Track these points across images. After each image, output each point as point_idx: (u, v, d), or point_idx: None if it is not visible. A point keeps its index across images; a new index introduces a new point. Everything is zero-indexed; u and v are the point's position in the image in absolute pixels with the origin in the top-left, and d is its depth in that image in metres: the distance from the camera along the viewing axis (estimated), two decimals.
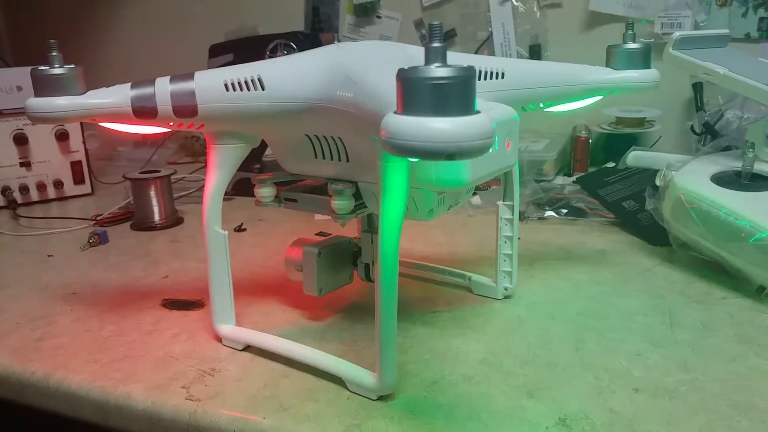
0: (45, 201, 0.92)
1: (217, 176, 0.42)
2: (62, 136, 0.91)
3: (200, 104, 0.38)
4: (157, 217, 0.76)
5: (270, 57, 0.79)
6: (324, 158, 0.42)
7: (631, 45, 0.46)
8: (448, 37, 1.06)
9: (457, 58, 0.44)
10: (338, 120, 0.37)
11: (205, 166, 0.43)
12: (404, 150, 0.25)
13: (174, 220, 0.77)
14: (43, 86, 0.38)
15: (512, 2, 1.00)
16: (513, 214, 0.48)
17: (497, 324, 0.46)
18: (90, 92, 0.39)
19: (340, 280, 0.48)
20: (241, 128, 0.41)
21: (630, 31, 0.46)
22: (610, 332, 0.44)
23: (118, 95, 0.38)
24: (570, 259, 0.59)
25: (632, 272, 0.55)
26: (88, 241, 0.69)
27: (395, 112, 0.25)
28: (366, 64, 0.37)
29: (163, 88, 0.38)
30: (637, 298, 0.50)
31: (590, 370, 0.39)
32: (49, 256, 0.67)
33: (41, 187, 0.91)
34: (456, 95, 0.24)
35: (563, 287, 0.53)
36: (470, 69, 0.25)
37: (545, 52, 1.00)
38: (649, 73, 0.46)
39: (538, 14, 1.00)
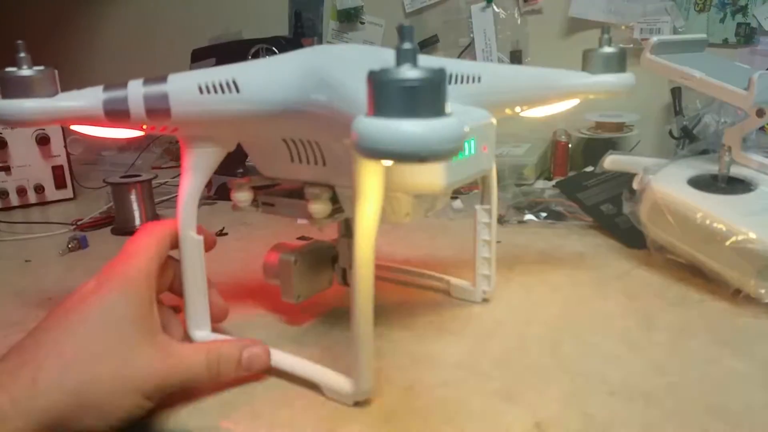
0: (25, 206, 0.91)
1: (191, 180, 0.41)
2: (43, 141, 0.90)
3: (173, 107, 0.37)
4: (137, 222, 0.76)
5: None
6: (300, 162, 0.41)
7: (607, 49, 0.46)
8: (431, 44, 1.06)
9: (431, 61, 0.44)
10: (313, 124, 0.37)
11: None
12: (375, 153, 0.24)
13: None
14: (11, 88, 0.37)
15: (493, 9, 1.01)
16: (491, 218, 0.48)
17: (475, 328, 0.46)
18: (61, 95, 0.38)
19: (319, 286, 0.48)
20: (215, 131, 0.41)
21: (606, 35, 0.46)
22: (587, 335, 0.44)
23: (90, 98, 0.37)
24: (548, 263, 0.60)
25: (610, 275, 0.56)
26: (68, 246, 0.68)
27: (365, 115, 0.25)
28: (341, 68, 0.37)
29: (136, 91, 0.37)
30: (614, 300, 0.50)
31: (567, 374, 0.39)
32: (26, 261, 0.66)
33: (21, 191, 0.90)
34: (427, 97, 0.24)
35: (541, 290, 0.53)
36: (441, 71, 0.24)
37: (526, 57, 1.01)
38: (624, 76, 0.46)
39: (518, 20, 1.01)
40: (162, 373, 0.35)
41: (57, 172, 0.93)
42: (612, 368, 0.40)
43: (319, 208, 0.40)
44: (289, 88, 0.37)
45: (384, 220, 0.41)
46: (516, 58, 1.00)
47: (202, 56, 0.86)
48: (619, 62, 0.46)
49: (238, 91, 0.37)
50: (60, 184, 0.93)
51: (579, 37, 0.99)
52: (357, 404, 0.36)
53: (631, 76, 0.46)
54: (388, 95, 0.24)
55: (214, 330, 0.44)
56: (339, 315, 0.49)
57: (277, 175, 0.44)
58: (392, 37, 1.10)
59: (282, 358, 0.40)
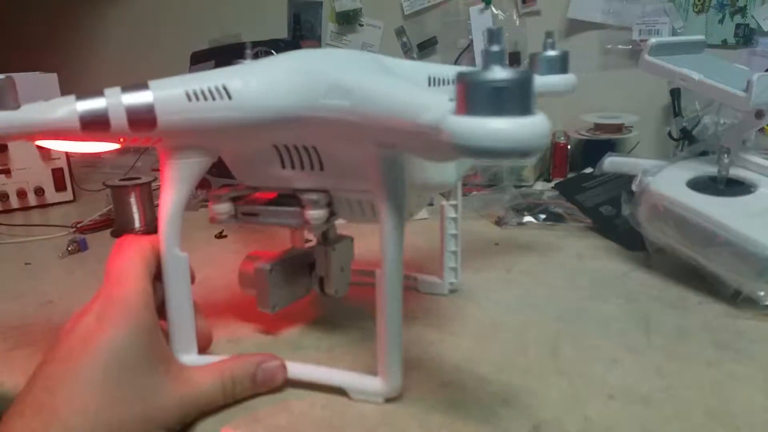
0: (26, 208, 0.91)
1: (175, 193, 0.38)
2: None
3: (160, 116, 0.34)
4: (137, 224, 0.76)
5: None
6: (294, 168, 0.40)
7: (551, 52, 0.50)
8: (429, 45, 1.06)
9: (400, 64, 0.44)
10: (319, 129, 0.36)
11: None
12: (475, 151, 0.25)
13: (154, 227, 0.76)
14: None
15: (492, 10, 1.01)
16: (457, 213, 0.51)
17: (474, 330, 0.46)
18: (26, 107, 0.34)
19: (296, 294, 0.47)
20: (203, 141, 0.38)
21: (550, 39, 0.50)
22: (586, 338, 0.44)
23: (63, 109, 0.33)
24: (547, 265, 0.60)
25: (609, 277, 0.56)
26: (67, 249, 0.68)
27: (456, 114, 0.25)
28: (355, 71, 0.36)
29: (116, 100, 0.34)
30: (613, 303, 0.50)
31: (565, 377, 0.39)
32: (26, 264, 0.66)
33: (21, 194, 0.90)
34: (520, 96, 0.25)
35: (540, 292, 0.53)
36: (528, 72, 0.25)
37: (525, 59, 1.01)
38: (567, 77, 0.50)
39: (517, 22, 1.01)
40: (182, 404, 0.34)
41: (57, 174, 0.93)
42: (611, 371, 0.40)
43: (318, 213, 0.40)
44: (289, 94, 0.35)
45: (375, 220, 0.42)
46: (515, 59, 1.01)
47: (201, 59, 0.86)
48: (562, 64, 0.50)
49: (230, 97, 0.35)
50: (60, 186, 0.93)
51: (577, 39, 0.99)
52: (355, 409, 0.36)
53: (572, 77, 0.50)
54: (484, 95, 0.25)
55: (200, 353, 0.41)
56: (328, 320, 0.48)
57: (262, 184, 0.43)
58: (391, 39, 1.11)
59: (300, 369, 0.39)
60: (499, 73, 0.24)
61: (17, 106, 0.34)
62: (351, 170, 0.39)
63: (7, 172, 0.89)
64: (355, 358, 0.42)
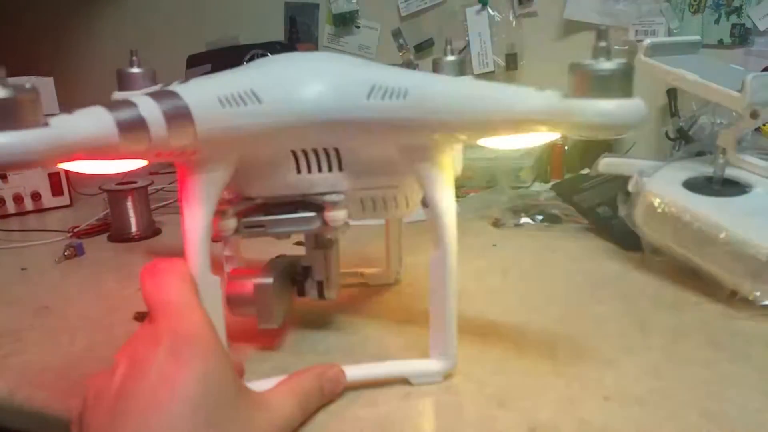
0: (22, 213, 0.90)
1: (204, 211, 0.34)
2: None
3: (198, 123, 0.31)
4: (134, 229, 0.76)
5: None
6: (309, 172, 0.39)
7: (605, 65, 0.30)
8: (426, 47, 1.06)
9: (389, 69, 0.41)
10: (349, 130, 0.36)
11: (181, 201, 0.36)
12: (591, 127, 0.31)
13: (151, 231, 0.77)
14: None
15: (488, 11, 1.01)
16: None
17: (470, 333, 0.46)
18: (55, 120, 0.27)
19: (287, 303, 0.46)
20: (235, 149, 0.35)
21: (602, 43, 0.31)
22: (582, 339, 0.44)
23: (97, 120, 0.29)
24: (544, 266, 0.60)
25: (605, 278, 0.56)
26: (64, 254, 0.68)
27: (577, 98, 0.30)
28: (396, 72, 0.37)
29: (150, 107, 0.30)
30: (609, 304, 0.50)
31: (562, 378, 0.39)
32: (22, 269, 0.66)
33: (18, 199, 0.90)
34: (622, 83, 0.31)
35: (537, 294, 0.53)
36: (628, 63, 0.31)
37: (521, 60, 1.01)
38: (628, 104, 0.30)
39: (514, 23, 1.01)
40: (270, 431, 0.32)
41: (53, 179, 0.93)
42: (607, 372, 0.40)
43: (340, 214, 0.39)
44: (320, 97, 0.34)
45: (386, 215, 0.43)
46: (511, 60, 1.01)
47: (197, 62, 0.87)
48: (622, 83, 0.31)
49: (259, 101, 0.33)
50: (57, 191, 0.93)
51: (574, 39, 0.99)
52: (351, 411, 0.36)
53: (637, 104, 0.31)
54: (611, 80, 0.30)
55: None
56: (317, 325, 0.48)
57: (271, 193, 0.40)
58: (388, 40, 1.11)
59: (357, 371, 0.39)
60: (606, 65, 0.30)
61: (46, 123, 0.27)
62: (374, 168, 0.39)
63: (3, 176, 0.88)
64: (363, 352, 0.43)
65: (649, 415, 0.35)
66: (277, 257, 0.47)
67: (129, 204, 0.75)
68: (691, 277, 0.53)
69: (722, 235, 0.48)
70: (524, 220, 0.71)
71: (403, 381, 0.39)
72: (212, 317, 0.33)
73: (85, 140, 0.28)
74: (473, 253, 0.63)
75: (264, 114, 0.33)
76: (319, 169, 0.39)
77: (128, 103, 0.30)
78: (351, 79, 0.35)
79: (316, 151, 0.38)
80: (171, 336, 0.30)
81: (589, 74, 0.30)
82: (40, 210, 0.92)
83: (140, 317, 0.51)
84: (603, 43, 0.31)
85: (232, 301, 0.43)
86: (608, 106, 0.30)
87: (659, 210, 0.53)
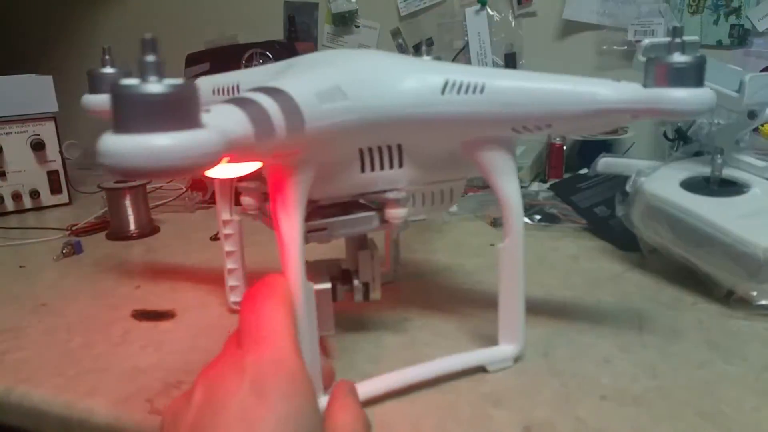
0: (21, 211, 0.91)
1: (299, 217, 0.32)
2: (38, 146, 0.90)
3: (307, 121, 0.30)
4: (132, 227, 0.76)
5: (246, 66, 0.79)
6: (373, 170, 0.38)
7: (679, 58, 0.34)
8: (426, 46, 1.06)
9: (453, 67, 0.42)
10: (423, 125, 0.36)
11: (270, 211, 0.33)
12: (672, 112, 0.35)
13: (150, 229, 0.77)
14: (133, 116, 0.22)
15: (487, 11, 1.01)
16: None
17: (465, 329, 0.46)
18: (207, 122, 0.23)
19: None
20: (326, 149, 0.34)
21: (677, 39, 0.35)
22: (579, 338, 0.44)
23: (234, 119, 0.26)
24: (542, 265, 0.60)
25: (603, 278, 0.56)
26: (62, 252, 0.68)
27: (657, 87, 0.35)
28: (465, 68, 0.38)
29: (269, 104, 0.28)
30: (606, 303, 0.50)
31: (558, 377, 0.39)
32: (21, 267, 0.66)
33: (17, 197, 0.90)
34: (696, 73, 0.35)
35: (535, 293, 0.53)
36: (702, 56, 0.34)
37: (521, 60, 1.01)
38: (699, 92, 0.35)
39: (513, 23, 1.01)
40: None
41: (53, 177, 0.93)
42: (604, 371, 0.40)
43: (403, 212, 0.39)
44: (402, 95, 0.35)
45: (437, 209, 0.44)
46: (510, 60, 1.01)
47: (196, 61, 0.86)
48: (694, 76, 0.35)
49: (346, 98, 0.33)
50: (56, 189, 0.93)
51: (573, 40, 0.99)
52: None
53: (706, 93, 0.35)
54: (667, 73, 0.34)
55: None
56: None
57: (336, 194, 0.39)
58: (387, 40, 1.11)
59: (435, 366, 0.39)
60: (679, 58, 0.34)
61: (200, 122, 0.23)
62: (433, 163, 0.40)
63: (2, 174, 0.89)
64: (419, 350, 0.43)
65: (645, 415, 0.35)
66: (313, 261, 0.43)
67: (127, 202, 0.75)
68: (688, 277, 0.53)
69: (719, 235, 0.48)
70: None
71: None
72: (311, 326, 0.33)
73: (235, 142, 0.25)
74: (471, 253, 0.63)
75: (352, 110, 0.33)
76: (381, 167, 0.39)
77: (249, 101, 0.27)
78: (424, 75, 0.36)
79: (380, 149, 0.38)
80: (256, 369, 0.27)
81: (668, 66, 0.34)
82: (38, 208, 0.92)
83: (138, 315, 0.51)
84: (678, 39, 0.35)
85: None
86: (684, 94, 0.34)
87: (657, 210, 0.54)
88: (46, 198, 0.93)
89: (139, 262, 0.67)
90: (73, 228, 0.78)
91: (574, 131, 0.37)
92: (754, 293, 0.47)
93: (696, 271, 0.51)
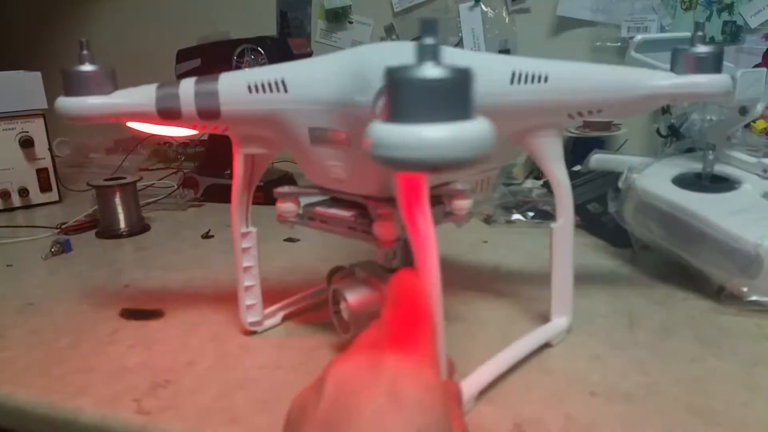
0: (10, 209, 0.90)
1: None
2: (26, 143, 0.89)
3: (223, 105, 0.38)
4: (122, 225, 0.75)
5: (237, 62, 0.79)
6: None
7: (702, 49, 0.41)
8: None
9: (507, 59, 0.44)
10: (490, 114, 0.35)
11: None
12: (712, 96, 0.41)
13: (140, 227, 0.76)
14: (73, 85, 0.38)
15: (481, 7, 1.01)
16: None
17: (458, 328, 0.46)
18: (117, 92, 0.39)
19: None
20: (264, 132, 0.40)
21: (699, 33, 0.41)
22: (570, 335, 0.44)
23: (144, 96, 0.38)
24: (534, 262, 0.60)
25: (595, 274, 0.56)
26: (50, 250, 0.68)
27: (686, 74, 0.40)
28: (528, 59, 0.39)
29: (187, 90, 0.38)
30: (598, 299, 0.50)
31: (549, 374, 0.39)
32: (8, 266, 0.65)
33: (5, 195, 0.89)
34: (720, 61, 0.40)
35: (526, 290, 0.53)
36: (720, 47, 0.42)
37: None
38: (719, 78, 0.41)
39: (507, 19, 1.01)
40: None
41: (42, 175, 0.92)
42: (594, 368, 0.40)
43: (467, 203, 0.39)
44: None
45: (477, 198, 0.43)
46: None
47: (187, 57, 0.86)
48: (714, 62, 0.41)
49: (286, 90, 0.37)
50: (45, 187, 0.92)
51: (566, 36, 0.99)
52: None
53: (725, 78, 0.41)
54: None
55: None
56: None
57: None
58: (381, 36, 1.10)
59: (510, 354, 0.40)
60: (703, 48, 0.39)
61: (111, 92, 0.39)
62: None
63: None
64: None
65: (635, 411, 0.35)
66: (355, 264, 0.43)
67: (117, 200, 0.74)
68: (679, 273, 0.53)
69: (710, 231, 0.48)
70: (515, 216, 0.71)
71: None
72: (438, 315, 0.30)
73: (130, 109, 0.39)
74: (464, 250, 0.63)
75: (286, 101, 0.37)
76: None
77: (174, 84, 0.38)
78: (492, 66, 0.37)
79: None
80: (396, 373, 0.25)
81: (695, 56, 0.39)
82: (28, 206, 0.91)
83: (127, 314, 0.51)
84: (700, 33, 0.40)
85: (360, 316, 0.39)
86: (706, 80, 0.40)
87: (649, 206, 0.53)
88: (36, 196, 0.92)
89: (129, 260, 0.66)
90: (63, 226, 0.77)
91: (619, 115, 0.39)
92: (745, 289, 0.47)
93: (687, 267, 0.51)
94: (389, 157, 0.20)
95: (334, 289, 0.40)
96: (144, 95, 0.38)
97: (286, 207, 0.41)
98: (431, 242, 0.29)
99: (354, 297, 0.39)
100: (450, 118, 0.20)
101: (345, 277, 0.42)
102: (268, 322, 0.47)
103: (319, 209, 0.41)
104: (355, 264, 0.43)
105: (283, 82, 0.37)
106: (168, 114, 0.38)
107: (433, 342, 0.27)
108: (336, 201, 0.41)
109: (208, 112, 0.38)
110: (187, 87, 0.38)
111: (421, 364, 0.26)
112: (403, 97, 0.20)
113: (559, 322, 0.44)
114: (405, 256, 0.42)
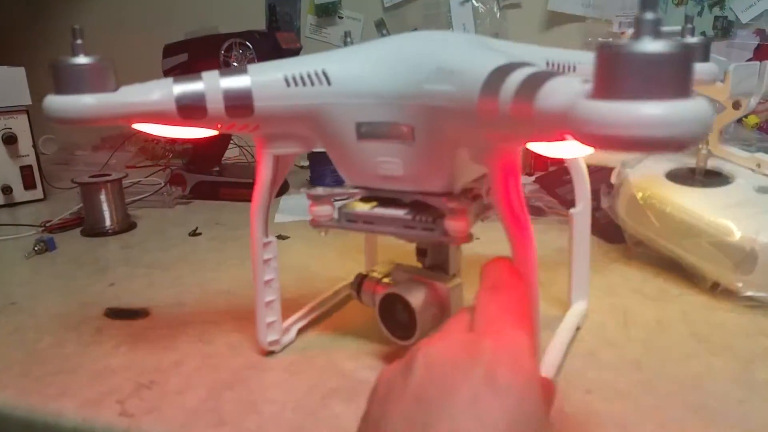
0: None
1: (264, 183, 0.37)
2: (10, 140, 0.88)
3: (257, 102, 0.34)
4: (107, 223, 0.74)
5: (225, 56, 0.77)
6: None
7: (692, 40, 0.46)
8: None
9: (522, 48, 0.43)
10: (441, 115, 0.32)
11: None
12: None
13: (126, 225, 0.75)
14: (67, 81, 0.31)
15: (472, 2, 1.00)
16: None
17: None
18: (124, 89, 0.33)
19: None
20: (299, 129, 0.37)
21: (689, 26, 0.46)
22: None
23: (159, 92, 0.33)
24: None
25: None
26: (34, 249, 0.66)
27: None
28: (552, 50, 0.41)
29: (213, 84, 0.33)
30: (592, 296, 0.49)
31: (543, 372, 0.38)
32: None
33: None
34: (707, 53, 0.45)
35: None
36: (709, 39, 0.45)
37: None
38: (708, 66, 0.46)
39: (497, 14, 1.00)
40: None
41: (25, 172, 0.90)
42: (589, 365, 0.39)
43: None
44: (391, 79, 0.33)
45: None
46: None
47: (174, 51, 0.84)
48: (702, 52, 0.46)
49: (329, 83, 0.34)
50: (29, 184, 0.91)
51: (557, 31, 0.98)
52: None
53: (713, 67, 0.46)
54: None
55: None
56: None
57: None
58: (371, 31, 1.09)
59: (559, 339, 0.41)
60: (693, 40, 0.44)
61: (116, 88, 0.32)
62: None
63: None
64: None
65: (631, 408, 0.34)
66: (399, 264, 0.42)
67: (103, 197, 0.73)
68: (673, 269, 0.52)
69: (704, 226, 0.48)
70: None
71: None
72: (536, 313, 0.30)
73: (144, 107, 0.32)
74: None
75: (329, 95, 0.35)
76: None
77: (196, 78, 0.33)
78: (528, 55, 0.33)
79: None
80: (494, 356, 0.24)
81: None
82: (11, 204, 0.89)
83: (111, 314, 0.50)
84: (690, 25, 0.44)
85: (425, 317, 0.37)
86: (704, 67, 0.44)
87: (642, 201, 0.53)
88: (19, 194, 0.90)
89: (115, 258, 0.65)
90: (47, 224, 0.75)
91: None
92: (740, 284, 0.46)
93: (681, 263, 0.51)
94: (602, 136, 0.19)
95: (388, 294, 0.38)
96: (159, 92, 0.33)
97: (322, 210, 0.38)
98: (530, 231, 0.30)
99: (415, 299, 0.37)
100: (669, 95, 0.19)
101: (391, 281, 0.40)
102: (285, 338, 0.43)
103: (360, 210, 0.38)
104: (380, 266, 0.42)
105: (324, 74, 0.34)
106: (191, 113, 0.33)
107: (533, 332, 0.26)
108: (372, 200, 0.38)
109: (239, 110, 0.34)
110: (212, 81, 0.33)
111: (520, 351, 0.24)
112: (621, 72, 0.19)
113: (578, 306, 0.45)
114: (436, 254, 0.41)
